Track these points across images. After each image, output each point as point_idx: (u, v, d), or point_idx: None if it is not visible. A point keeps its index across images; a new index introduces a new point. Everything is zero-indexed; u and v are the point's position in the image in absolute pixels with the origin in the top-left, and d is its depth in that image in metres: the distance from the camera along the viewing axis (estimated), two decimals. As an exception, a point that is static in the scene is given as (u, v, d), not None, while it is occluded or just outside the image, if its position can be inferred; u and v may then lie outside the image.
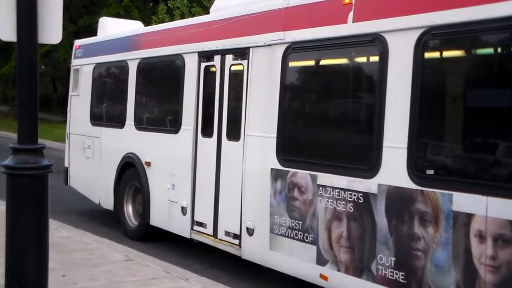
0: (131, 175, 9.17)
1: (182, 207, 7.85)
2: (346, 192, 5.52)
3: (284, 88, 6.33)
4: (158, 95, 9.10)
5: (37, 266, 4.65)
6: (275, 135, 6.38)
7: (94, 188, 10.16)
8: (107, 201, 9.75)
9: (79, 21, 28.08)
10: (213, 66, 7.48)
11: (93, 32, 11.92)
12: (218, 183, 7.25)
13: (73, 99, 11.01)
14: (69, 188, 11.08)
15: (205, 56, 7.61)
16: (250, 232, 6.69)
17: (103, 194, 9.90)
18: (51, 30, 4.72)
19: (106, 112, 10.13)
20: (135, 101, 9.02)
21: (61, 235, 7.97)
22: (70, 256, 6.98)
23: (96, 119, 10.32)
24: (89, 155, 10.29)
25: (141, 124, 9.00)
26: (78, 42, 11.06)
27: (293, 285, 6.52)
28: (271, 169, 6.39)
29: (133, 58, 9.12)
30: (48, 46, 24.03)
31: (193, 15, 17.54)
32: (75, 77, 10.96)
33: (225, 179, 7.15)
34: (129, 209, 9.33)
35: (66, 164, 11.22)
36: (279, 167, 6.30)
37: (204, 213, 7.50)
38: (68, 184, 11.17)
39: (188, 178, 7.72)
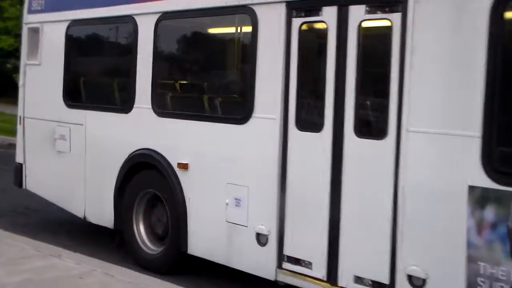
0: (145, 180, 6.42)
1: (259, 234, 5.28)
2: None
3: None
4: (199, 66, 6.33)
5: None
6: (478, 133, 4.01)
7: (73, 196, 7.25)
8: (100, 215, 6.92)
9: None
10: (321, 22, 4.93)
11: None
12: (338, 201, 4.77)
13: (30, 70, 7.90)
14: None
15: (302, 8, 5.03)
16: (418, 283, 4.31)
17: (91, 205, 7.03)
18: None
19: (95, 89, 7.22)
20: (153, 75, 6.21)
21: None
22: None
23: (75, 98, 7.37)
24: (63, 149, 7.34)
25: (167, 108, 6.25)
26: (35, -10, 7.93)
27: None
28: (471, 187, 4.01)
29: (147, 13, 6.29)
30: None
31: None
32: (32, 39, 7.82)
33: (354, 195, 4.68)
34: (140, 228, 6.57)
35: (18, 159, 8.15)
36: (490, 184, 3.94)
37: (306, 245, 4.98)
38: (23, 187, 8.14)
39: (271, 191, 5.16)
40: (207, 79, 6.20)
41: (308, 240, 4.98)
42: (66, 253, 6.16)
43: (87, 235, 7.43)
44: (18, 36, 19.00)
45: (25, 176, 8.02)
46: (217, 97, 5.92)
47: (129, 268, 5.98)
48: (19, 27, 18.58)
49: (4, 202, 9.26)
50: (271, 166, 5.16)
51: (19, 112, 8.13)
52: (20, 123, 8.11)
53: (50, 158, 7.59)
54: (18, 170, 8.11)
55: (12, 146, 15.87)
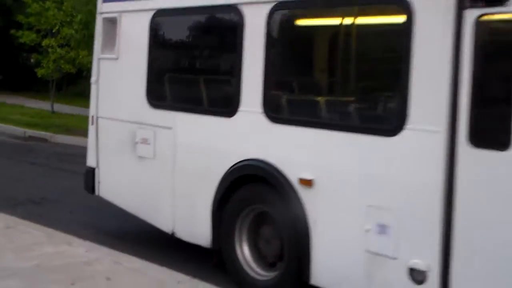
0: (252, 195, 5.56)
1: (413, 270, 4.39)
2: None
3: None
4: (331, 64, 5.39)
5: None
6: None
7: (158, 208, 6.41)
8: (194, 232, 6.06)
9: None
10: (507, 13, 4.00)
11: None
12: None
13: (105, 65, 7.04)
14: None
15: (479, -4, 4.09)
16: None
17: (182, 221, 6.17)
18: None
19: (187, 88, 6.32)
20: (265, 73, 5.30)
21: None
22: None
23: (162, 98, 6.50)
24: (146, 154, 6.49)
25: (285, 112, 5.37)
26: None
27: None
28: None
29: (257, 2, 5.39)
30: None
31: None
32: (108, 30, 6.96)
33: None
34: (244, 249, 5.70)
35: (90, 163, 7.33)
36: None
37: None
38: (96, 193, 7.32)
39: (432, 219, 4.26)
40: (344, 80, 5.27)
41: (486, 282, 4.08)
42: (76, 241, 6.24)
43: (100, 224, 7.61)
44: (39, 31, 18.62)
45: (98, 182, 7.21)
46: (357, 102, 4.99)
47: (139, 257, 5.86)
48: (40, 22, 18.23)
49: (21, 191, 9.28)
50: (431, 189, 4.25)
51: (91, 112, 7.28)
52: (92, 123, 7.27)
53: (130, 164, 6.76)
54: (90, 174, 7.29)
55: (32, 138, 15.69)
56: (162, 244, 6.75)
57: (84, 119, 18.36)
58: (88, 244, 6.17)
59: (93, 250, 5.97)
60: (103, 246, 6.16)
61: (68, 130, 16.41)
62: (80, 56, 17.16)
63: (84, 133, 17.18)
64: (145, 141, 6.52)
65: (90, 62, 20.36)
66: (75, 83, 24.06)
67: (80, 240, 6.27)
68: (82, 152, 13.70)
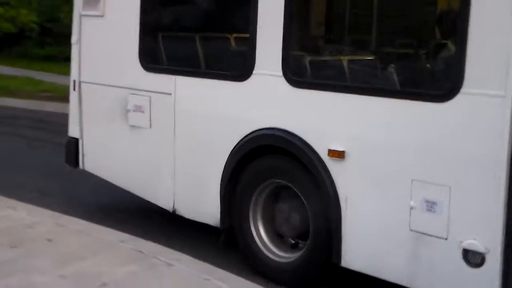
0: (270, 168, 4.97)
1: (467, 251, 3.91)
2: None
3: None
4: (374, 16, 4.76)
5: None
6: None
7: (156, 183, 5.77)
8: (198, 210, 5.46)
9: None
10: None
11: None
12: None
13: (88, 23, 6.28)
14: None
15: None
16: None
17: (184, 197, 5.56)
18: None
19: (190, 48, 5.61)
20: (285, 29, 4.58)
21: None
22: None
23: (159, 60, 5.81)
24: (140, 123, 5.83)
25: (310, 75, 4.75)
26: None
27: None
28: None
29: None
30: None
31: None
32: (91, -17, 6.22)
33: None
34: (260, 228, 5.13)
35: (73, 133, 6.61)
36: None
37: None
38: (79, 167, 6.63)
39: (493, 196, 3.77)
40: (384, 36, 4.67)
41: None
42: (20, 205, 6.12)
43: (42, 187, 7.46)
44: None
45: (83, 155, 6.52)
46: (400, 63, 4.41)
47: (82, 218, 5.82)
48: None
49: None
50: (494, 162, 3.75)
51: (73, 76, 6.53)
52: (74, 89, 6.53)
53: (120, 134, 6.08)
54: (72, 146, 6.59)
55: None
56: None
57: (27, 81, 18.05)
58: (32, 207, 6.05)
59: (35, 213, 5.87)
60: (46, 209, 6.02)
61: (10, 92, 15.73)
62: (22, 15, 16.13)
63: (28, 95, 16.39)
64: (138, 108, 5.85)
65: (33, 22, 19.60)
66: (18, 44, 23.02)
67: (24, 204, 6.13)
68: (26, 115, 13.44)
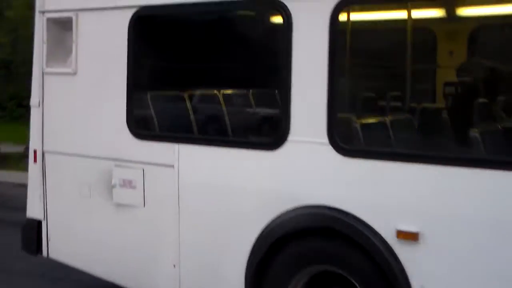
0: (314, 251, 4.12)
1: None
2: None
3: None
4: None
5: None
6: None
7: (155, 272, 4.75)
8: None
9: None
10: None
11: None
12: None
13: (54, 82, 5.23)
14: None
15: None
16: None
17: (191, 286, 4.60)
18: None
19: (198, 111, 4.70)
20: (330, 90, 3.83)
21: None
22: None
23: (154, 125, 4.86)
24: (130, 201, 4.83)
25: (363, 141, 4.00)
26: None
27: None
28: None
29: None
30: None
31: None
32: (57, 35, 5.20)
33: None
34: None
35: (33, 214, 5.46)
36: None
37: None
38: (43, 254, 5.47)
39: None
40: (460, 95, 3.99)
41: None
42: None
43: None
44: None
45: (48, 240, 5.39)
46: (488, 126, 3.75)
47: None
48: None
49: None
50: None
51: (33, 145, 5.43)
52: (35, 161, 5.42)
53: (100, 215, 5.06)
54: (33, 229, 5.45)
55: None
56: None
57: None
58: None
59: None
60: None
61: None
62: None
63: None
64: (127, 183, 4.86)
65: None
66: None
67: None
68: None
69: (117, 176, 4.88)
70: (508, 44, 4.37)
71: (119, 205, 4.91)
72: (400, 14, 4.12)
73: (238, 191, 4.33)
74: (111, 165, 4.91)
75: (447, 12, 4.10)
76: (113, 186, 4.90)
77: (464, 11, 4.19)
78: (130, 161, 4.81)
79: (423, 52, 4.27)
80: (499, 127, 3.86)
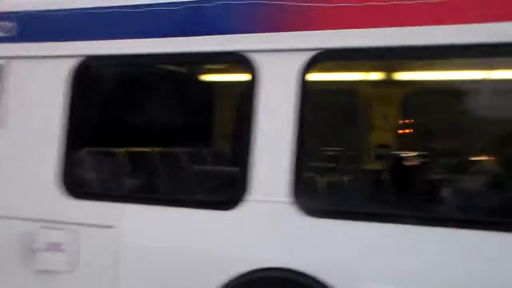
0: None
1: None
2: None
3: None
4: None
5: None
6: None
7: None
8: None
9: None
10: None
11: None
12: None
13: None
14: None
15: None
16: None
17: None
18: None
19: (140, 166, 4.37)
20: (299, 147, 3.75)
21: None
22: None
23: (91, 183, 4.47)
24: (56, 267, 4.35)
25: (336, 202, 3.87)
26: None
27: None
28: None
29: (285, 49, 3.88)
30: None
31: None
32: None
33: None
34: None
35: None
36: None
37: None
38: None
39: None
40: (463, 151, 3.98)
41: None
42: None
43: None
44: None
45: None
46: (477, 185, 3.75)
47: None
48: None
49: None
50: None
51: None
52: None
53: (19, 283, 4.49)
54: None
55: None
56: None
57: None
58: None
59: None
60: None
61: None
62: None
63: None
64: (55, 247, 4.38)
65: None
66: None
67: None
68: None
69: (43, 239, 4.39)
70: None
71: (42, 272, 4.39)
72: (371, 75, 4.18)
73: (187, 253, 4.02)
74: (36, 227, 4.42)
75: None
76: (36, 250, 4.40)
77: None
78: (62, 222, 4.36)
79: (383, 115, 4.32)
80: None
